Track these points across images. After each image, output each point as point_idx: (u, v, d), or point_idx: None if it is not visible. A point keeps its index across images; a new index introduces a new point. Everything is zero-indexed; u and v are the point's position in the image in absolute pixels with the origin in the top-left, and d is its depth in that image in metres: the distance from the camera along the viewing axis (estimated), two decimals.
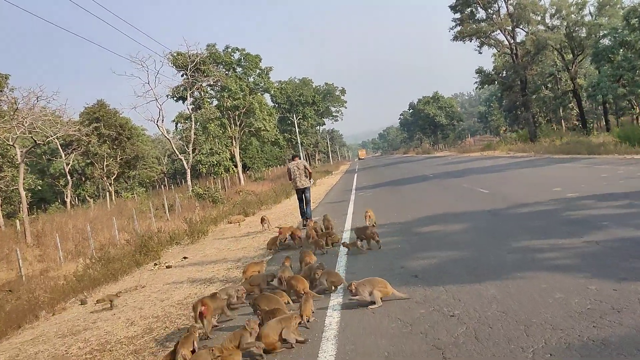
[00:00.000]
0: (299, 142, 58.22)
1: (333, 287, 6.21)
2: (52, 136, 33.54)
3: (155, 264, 12.01)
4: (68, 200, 38.96)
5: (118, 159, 44.20)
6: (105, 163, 42.88)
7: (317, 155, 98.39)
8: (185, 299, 7.63)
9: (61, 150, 38.76)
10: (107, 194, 39.47)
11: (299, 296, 5.77)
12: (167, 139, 39.68)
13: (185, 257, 12.13)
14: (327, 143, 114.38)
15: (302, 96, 76.55)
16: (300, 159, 14.02)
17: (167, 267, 11.31)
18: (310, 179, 13.73)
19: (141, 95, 36.81)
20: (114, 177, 44.20)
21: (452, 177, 21.59)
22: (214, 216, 19.68)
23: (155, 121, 37.48)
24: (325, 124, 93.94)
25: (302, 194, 13.36)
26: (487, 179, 18.01)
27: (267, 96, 68.24)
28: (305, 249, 8.54)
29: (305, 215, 13.38)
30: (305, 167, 13.39)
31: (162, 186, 73.40)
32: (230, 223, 18.68)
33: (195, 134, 44.08)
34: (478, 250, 7.00)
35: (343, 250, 8.71)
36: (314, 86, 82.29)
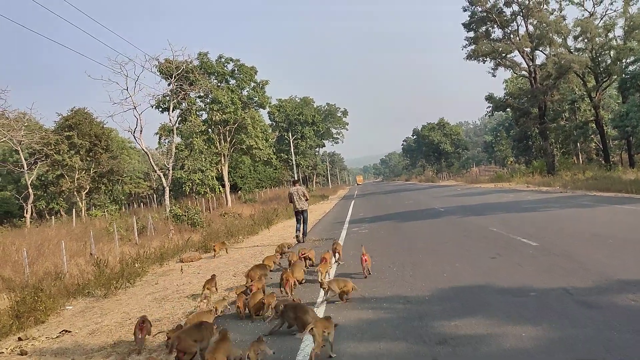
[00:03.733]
0: (294, 163, 53.90)
1: None
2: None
3: (20, 339, 7.59)
4: (28, 216, 34.45)
5: (91, 172, 39.86)
6: (76, 176, 38.56)
7: (315, 178, 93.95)
8: None
9: (23, 158, 34.48)
10: (74, 210, 34.99)
11: None
12: (145, 152, 35.29)
13: (65, 331, 7.69)
14: (326, 166, 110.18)
15: (301, 115, 72.55)
16: (300, 184, 16.11)
17: (22, 352, 6.87)
18: (306, 201, 15.40)
19: (118, 102, 32.41)
20: (86, 191, 39.79)
21: (471, 214, 17.15)
22: (164, 250, 15.21)
23: (132, 132, 33.21)
24: (325, 146, 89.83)
25: (300, 215, 15.07)
26: (522, 221, 13.53)
27: (264, 114, 64.51)
28: None
29: (300, 233, 14.86)
30: (304, 193, 15.25)
31: (149, 203, 69.05)
32: (182, 262, 14.31)
33: (177, 148, 39.90)
34: None
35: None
36: (315, 106, 78.38)
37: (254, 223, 22.38)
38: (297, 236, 14.89)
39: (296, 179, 18.07)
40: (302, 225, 14.89)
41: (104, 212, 38.84)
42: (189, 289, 9.63)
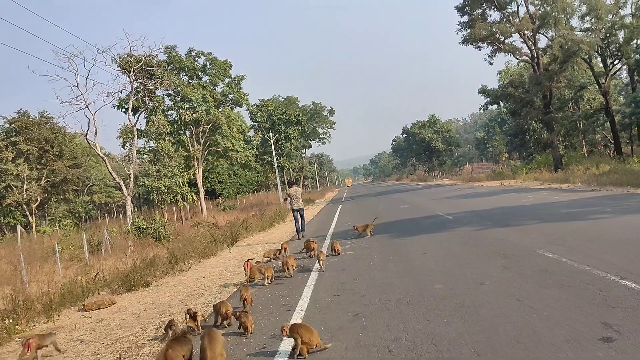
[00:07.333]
0: (276, 165, 49.49)
1: None
2: None
3: None
4: None
5: (43, 181, 35.15)
6: (24, 187, 33.85)
7: (302, 180, 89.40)
8: None
9: None
10: (18, 227, 30.33)
11: None
12: (101, 156, 30.63)
13: None
14: (314, 168, 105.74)
15: (285, 115, 68.06)
16: (297, 186, 18.49)
17: None
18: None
19: (67, 101, 27.70)
20: (36, 204, 35.04)
21: (492, 224, 12.77)
22: (65, 290, 10.73)
23: (85, 134, 28.63)
24: (311, 147, 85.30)
25: (297, 213, 16.68)
26: (582, 238, 9.07)
27: (245, 115, 59.99)
28: None
29: (299, 231, 16.64)
30: (301, 193, 17.35)
31: (121, 214, 64.26)
32: (86, 310, 9.87)
33: (139, 152, 35.31)
34: None
35: None
36: (299, 105, 73.97)
37: (214, 240, 17.84)
38: (297, 233, 16.90)
39: (293, 181, 19.59)
40: (301, 221, 16.63)
41: (57, 226, 34.16)
42: None
